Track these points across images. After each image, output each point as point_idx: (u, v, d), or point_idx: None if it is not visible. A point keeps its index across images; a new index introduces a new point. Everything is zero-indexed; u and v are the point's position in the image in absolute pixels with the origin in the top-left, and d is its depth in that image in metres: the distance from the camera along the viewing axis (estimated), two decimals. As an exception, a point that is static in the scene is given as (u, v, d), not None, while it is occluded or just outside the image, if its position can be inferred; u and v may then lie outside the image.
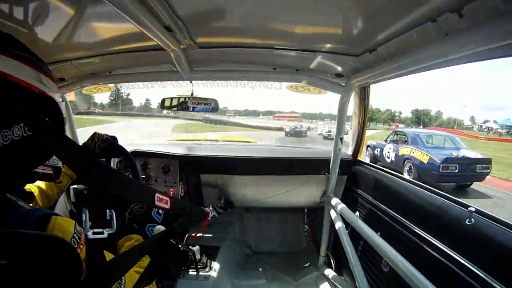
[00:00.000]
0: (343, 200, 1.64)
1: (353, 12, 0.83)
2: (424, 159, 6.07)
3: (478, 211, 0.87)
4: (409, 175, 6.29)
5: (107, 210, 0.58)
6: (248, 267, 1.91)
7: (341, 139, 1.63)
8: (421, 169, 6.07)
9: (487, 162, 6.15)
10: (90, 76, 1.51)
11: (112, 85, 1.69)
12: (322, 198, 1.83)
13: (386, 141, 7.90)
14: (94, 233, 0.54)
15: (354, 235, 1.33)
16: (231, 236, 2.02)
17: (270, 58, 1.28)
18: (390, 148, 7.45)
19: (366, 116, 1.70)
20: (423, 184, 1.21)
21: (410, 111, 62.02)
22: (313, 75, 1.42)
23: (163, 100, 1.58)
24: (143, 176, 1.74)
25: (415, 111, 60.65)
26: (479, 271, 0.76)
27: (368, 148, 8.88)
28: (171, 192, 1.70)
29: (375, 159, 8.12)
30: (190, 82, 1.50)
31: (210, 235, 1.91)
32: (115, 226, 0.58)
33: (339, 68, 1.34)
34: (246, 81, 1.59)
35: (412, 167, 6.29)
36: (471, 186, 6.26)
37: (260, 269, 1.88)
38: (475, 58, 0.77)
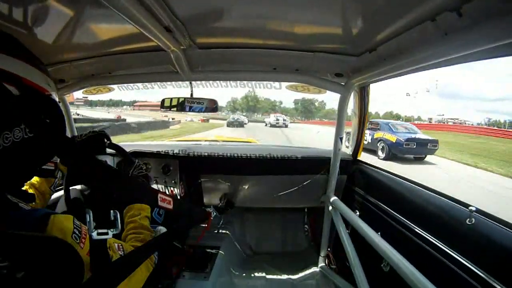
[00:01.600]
0: (343, 200, 1.64)
1: (352, 12, 0.83)
2: (393, 139, 9.06)
3: (478, 211, 0.86)
4: (382, 152, 9.26)
5: (111, 211, 0.57)
6: (248, 267, 1.91)
7: (341, 139, 1.63)
8: (391, 146, 9.07)
9: (435, 142, 9.20)
10: (89, 77, 1.51)
11: (112, 86, 1.69)
12: (322, 198, 1.83)
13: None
14: (98, 234, 0.53)
15: (355, 235, 1.33)
16: (231, 236, 2.02)
17: (270, 58, 1.28)
18: (366, 133, 10.20)
19: (366, 115, 1.70)
20: (423, 184, 1.21)
21: (293, 101, 57.65)
22: (313, 75, 1.42)
23: (163, 101, 1.58)
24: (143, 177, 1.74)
25: (302, 100, 55.18)
26: (480, 271, 0.76)
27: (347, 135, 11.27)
28: (171, 193, 1.70)
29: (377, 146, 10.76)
30: (190, 83, 1.50)
31: (210, 235, 1.91)
32: (119, 226, 0.57)
33: (339, 68, 1.34)
34: (246, 81, 1.59)
35: (384, 146, 9.25)
36: (425, 159, 9.40)
37: (260, 269, 1.88)
38: (475, 57, 0.77)
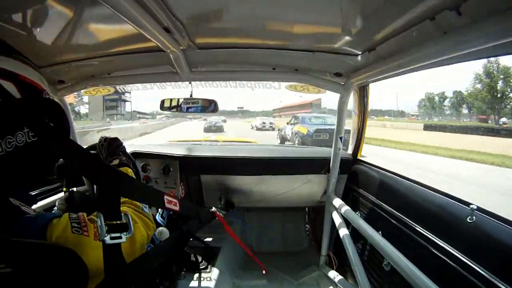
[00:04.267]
0: (343, 199, 1.64)
1: (351, 11, 0.83)
2: (304, 131, 9.10)
3: (479, 209, 0.86)
4: (298, 143, 9.16)
5: (123, 214, 0.56)
6: (249, 267, 1.91)
7: (341, 138, 1.63)
8: (303, 138, 9.01)
9: None
10: (89, 78, 1.51)
11: (111, 86, 1.69)
12: (322, 198, 1.83)
13: (287, 123, 11.08)
14: (112, 238, 0.52)
15: (355, 234, 1.33)
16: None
17: (269, 58, 1.28)
18: (289, 128, 10.50)
19: (366, 114, 1.70)
20: (423, 183, 1.21)
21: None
22: (312, 75, 1.42)
23: (163, 101, 1.58)
24: (143, 177, 1.74)
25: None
26: (481, 270, 0.76)
27: (279, 131, 12.54)
28: (172, 193, 1.70)
29: (283, 138, 11.33)
30: (190, 83, 1.50)
31: (211, 236, 1.91)
32: (132, 229, 0.56)
33: (338, 68, 1.34)
34: (245, 81, 1.59)
35: (299, 138, 9.15)
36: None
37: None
38: (474, 56, 0.77)
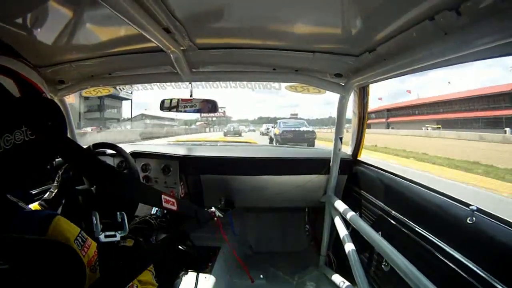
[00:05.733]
0: (343, 199, 1.64)
1: (352, 12, 0.83)
2: (277, 132, 12.75)
3: (479, 210, 0.86)
4: (275, 140, 12.74)
5: (118, 213, 0.56)
6: (249, 267, 1.91)
7: (341, 138, 1.63)
8: (276, 137, 12.67)
9: (311, 132, 12.69)
10: (89, 78, 1.51)
11: (111, 87, 1.69)
12: (322, 198, 1.83)
13: (272, 127, 15.27)
14: (106, 236, 0.52)
15: (355, 234, 1.33)
16: (231, 236, 2.02)
17: (269, 59, 1.28)
18: (272, 130, 14.51)
19: (366, 115, 1.70)
20: (423, 184, 1.21)
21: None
22: (313, 75, 1.42)
23: (163, 101, 1.58)
24: (143, 177, 1.74)
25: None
26: (481, 271, 0.76)
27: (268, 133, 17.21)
28: (172, 193, 1.70)
29: (270, 138, 14.70)
30: (190, 83, 1.50)
31: (211, 235, 1.91)
32: (127, 228, 0.56)
33: (339, 68, 1.34)
34: (245, 81, 1.59)
35: (276, 137, 12.75)
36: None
37: (261, 269, 1.88)
38: (474, 56, 0.77)
